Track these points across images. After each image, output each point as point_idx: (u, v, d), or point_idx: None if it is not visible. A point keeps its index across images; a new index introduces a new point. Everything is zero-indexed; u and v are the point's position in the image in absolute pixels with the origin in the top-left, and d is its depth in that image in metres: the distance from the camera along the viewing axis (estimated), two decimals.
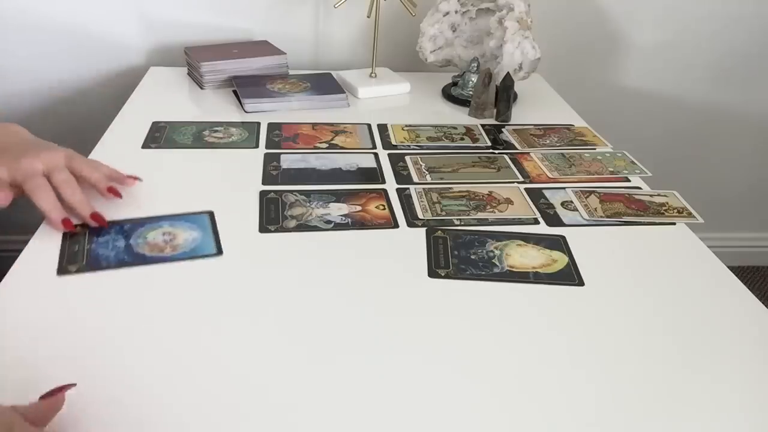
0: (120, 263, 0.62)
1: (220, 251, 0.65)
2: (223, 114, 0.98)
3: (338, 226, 0.71)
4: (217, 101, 1.02)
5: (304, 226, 0.71)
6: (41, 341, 0.52)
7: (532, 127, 1.01)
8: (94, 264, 0.62)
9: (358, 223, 0.72)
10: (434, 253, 0.67)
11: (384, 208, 0.75)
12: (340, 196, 0.77)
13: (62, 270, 0.61)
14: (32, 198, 0.64)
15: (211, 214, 0.71)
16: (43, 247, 0.63)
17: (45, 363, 0.50)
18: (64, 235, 0.65)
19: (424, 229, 0.71)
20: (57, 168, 0.66)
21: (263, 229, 0.70)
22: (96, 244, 0.64)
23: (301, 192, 0.77)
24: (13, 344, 0.52)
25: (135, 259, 0.63)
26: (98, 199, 0.69)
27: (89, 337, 0.53)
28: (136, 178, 0.74)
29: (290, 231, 0.70)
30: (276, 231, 0.69)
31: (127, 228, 0.67)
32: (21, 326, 0.53)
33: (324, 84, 1.08)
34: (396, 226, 0.72)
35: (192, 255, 0.64)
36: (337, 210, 0.74)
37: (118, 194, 0.70)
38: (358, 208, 0.75)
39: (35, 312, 0.55)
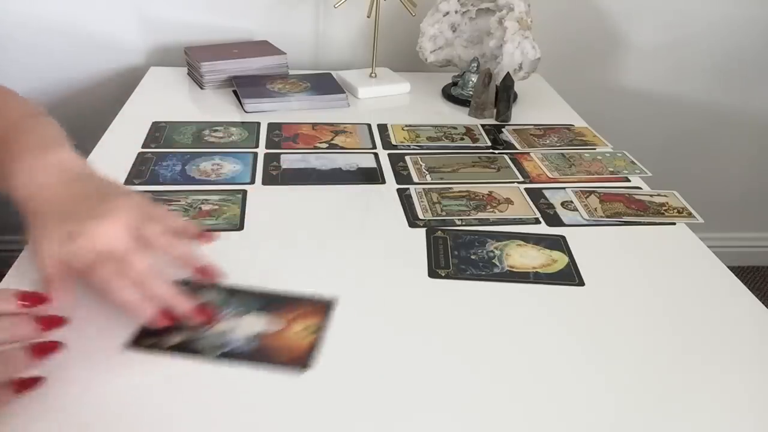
0: (173, 181, 0.78)
1: (253, 181, 0.79)
2: (223, 114, 0.98)
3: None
4: (217, 101, 1.02)
5: None
6: None
7: (532, 127, 1.00)
8: (154, 180, 0.78)
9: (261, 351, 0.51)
10: (434, 253, 0.67)
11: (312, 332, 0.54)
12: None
13: (128, 182, 0.77)
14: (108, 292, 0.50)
15: (254, 154, 0.85)
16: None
17: None
18: (138, 156, 0.82)
19: (424, 230, 0.71)
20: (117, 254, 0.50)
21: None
22: (159, 166, 0.81)
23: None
24: None
25: (185, 179, 0.78)
26: None
27: None
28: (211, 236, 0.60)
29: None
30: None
31: (186, 158, 0.83)
32: None
33: (324, 84, 1.08)
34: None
35: (230, 181, 0.78)
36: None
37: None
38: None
39: None
